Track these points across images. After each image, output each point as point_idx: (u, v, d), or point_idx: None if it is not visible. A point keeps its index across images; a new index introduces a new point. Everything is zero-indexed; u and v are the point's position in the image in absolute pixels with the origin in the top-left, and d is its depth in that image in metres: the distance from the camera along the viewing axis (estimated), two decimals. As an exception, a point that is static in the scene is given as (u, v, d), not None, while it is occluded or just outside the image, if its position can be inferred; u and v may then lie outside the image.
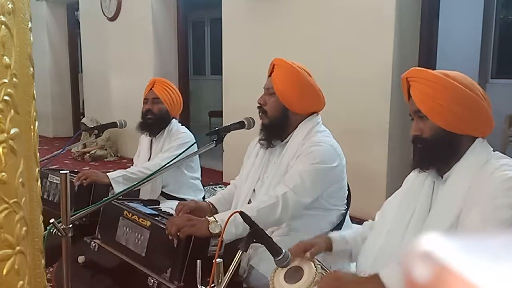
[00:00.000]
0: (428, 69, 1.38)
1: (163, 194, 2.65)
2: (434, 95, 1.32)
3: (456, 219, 1.29)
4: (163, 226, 1.67)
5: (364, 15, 3.89)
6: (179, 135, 2.66)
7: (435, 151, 1.35)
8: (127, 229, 1.81)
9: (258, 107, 1.97)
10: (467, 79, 1.35)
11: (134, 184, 1.77)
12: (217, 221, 1.63)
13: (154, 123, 2.69)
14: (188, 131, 2.74)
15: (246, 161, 2.12)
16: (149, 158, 2.74)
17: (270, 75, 1.96)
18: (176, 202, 2.58)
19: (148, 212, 1.87)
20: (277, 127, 1.94)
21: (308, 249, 1.47)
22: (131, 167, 2.75)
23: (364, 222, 1.68)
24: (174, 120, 2.75)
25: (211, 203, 2.06)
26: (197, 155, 2.72)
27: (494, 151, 1.38)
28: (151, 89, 2.71)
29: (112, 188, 2.44)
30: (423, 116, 1.35)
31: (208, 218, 1.68)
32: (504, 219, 1.21)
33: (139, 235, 1.74)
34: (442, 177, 1.38)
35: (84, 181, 2.36)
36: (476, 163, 1.32)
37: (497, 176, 1.26)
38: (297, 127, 1.93)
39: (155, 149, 2.73)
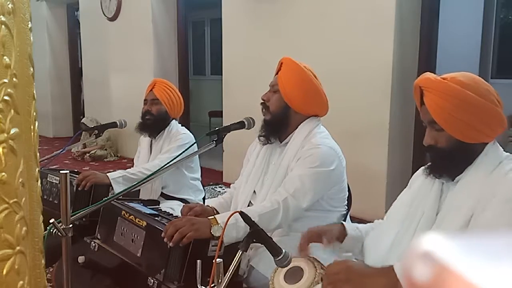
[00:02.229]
0: (442, 78, 1.33)
1: (163, 194, 2.65)
2: (451, 108, 1.29)
3: (466, 222, 1.28)
4: (158, 227, 1.66)
5: (364, 15, 3.89)
6: (179, 136, 2.66)
7: (450, 160, 1.35)
8: (124, 229, 1.81)
9: (262, 103, 1.98)
10: (482, 84, 1.32)
11: (134, 185, 1.77)
12: (218, 223, 1.63)
13: (153, 124, 2.69)
14: (188, 132, 2.74)
15: (246, 164, 2.12)
16: (149, 159, 2.74)
17: (277, 73, 1.96)
18: (176, 202, 2.59)
19: (148, 212, 1.87)
20: (277, 124, 1.94)
21: (322, 235, 1.47)
22: (131, 167, 2.75)
23: (375, 221, 1.67)
24: (174, 121, 2.74)
25: (214, 208, 2.06)
26: (197, 157, 2.73)
27: None
28: (151, 90, 2.71)
29: (112, 188, 2.44)
30: (439, 128, 1.34)
31: (209, 218, 1.67)
32: None
33: (135, 235, 1.74)
34: (453, 180, 1.38)
35: (84, 186, 2.35)
36: (489, 166, 1.32)
37: (510, 177, 1.26)
38: (297, 128, 1.94)
39: (155, 150, 2.73)
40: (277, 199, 1.77)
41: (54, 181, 2.41)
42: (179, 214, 1.96)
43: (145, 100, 2.73)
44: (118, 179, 2.46)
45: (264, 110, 1.97)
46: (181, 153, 1.95)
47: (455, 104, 1.29)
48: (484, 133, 1.32)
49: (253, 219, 1.42)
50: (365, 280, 1.29)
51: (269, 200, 1.80)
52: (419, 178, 1.49)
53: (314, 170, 1.81)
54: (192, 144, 2.42)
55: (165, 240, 1.57)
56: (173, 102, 2.70)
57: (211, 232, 1.60)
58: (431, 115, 1.34)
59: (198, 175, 2.79)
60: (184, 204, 2.44)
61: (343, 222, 1.60)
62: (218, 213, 2.03)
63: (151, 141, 2.78)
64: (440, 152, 1.37)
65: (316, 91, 1.92)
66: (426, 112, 1.36)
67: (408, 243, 1.38)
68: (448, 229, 1.31)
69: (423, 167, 1.47)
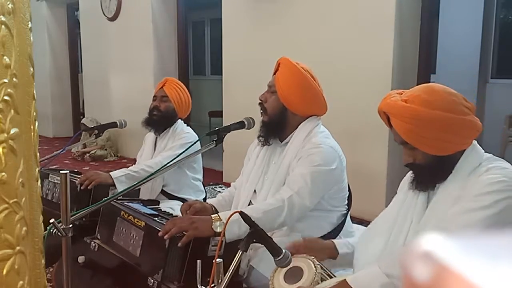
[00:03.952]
0: (404, 100, 1.32)
1: (164, 193, 2.65)
2: (418, 130, 1.29)
3: None
4: (157, 227, 1.67)
5: (364, 15, 3.89)
6: (183, 135, 2.68)
7: (432, 174, 1.36)
8: (123, 229, 1.81)
9: (259, 103, 1.97)
10: (446, 96, 1.30)
11: (134, 184, 1.77)
12: (221, 219, 1.63)
13: (159, 120, 2.71)
14: (193, 131, 2.75)
15: (246, 163, 2.12)
16: (153, 157, 2.75)
17: (274, 73, 1.96)
18: (176, 202, 2.59)
19: (148, 213, 1.87)
20: (275, 125, 1.94)
21: (312, 254, 1.48)
22: (133, 165, 2.75)
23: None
24: (179, 120, 2.77)
25: (212, 205, 2.06)
26: (200, 157, 2.75)
27: (492, 151, 1.38)
28: (161, 87, 2.74)
29: (114, 188, 2.45)
30: (412, 147, 1.35)
31: (212, 216, 1.68)
32: (478, 219, 1.21)
33: (134, 235, 1.75)
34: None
35: (87, 185, 2.35)
36: (467, 168, 1.32)
37: (484, 179, 1.26)
38: (297, 127, 1.93)
39: (159, 148, 2.74)
40: (282, 197, 1.77)
41: (56, 181, 2.41)
42: (179, 214, 1.96)
43: (154, 96, 2.76)
44: (121, 177, 2.47)
45: (261, 111, 1.97)
46: (183, 151, 1.96)
47: (422, 125, 1.28)
48: (458, 143, 1.32)
49: (257, 216, 1.42)
50: None
51: (274, 198, 1.81)
52: (407, 185, 1.48)
53: (316, 168, 1.81)
54: (195, 142, 2.41)
55: (160, 234, 1.58)
56: (181, 101, 2.72)
57: (212, 228, 1.60)
58: (402, 138, 1.34)
59: (200, 176, 2.80)
60: (184, 204, 2.44)
61: (334, 241, 1.61)
62: (217, 211, 2.03)
63: (156, 138, 2.79)
64: (420, 168, 1.37)
65: (314, 92, 1.91)
66: (396, 134, 1.36)
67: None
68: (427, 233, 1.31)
69: (410, 173, 1.46)
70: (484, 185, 1.24)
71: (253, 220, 1.38)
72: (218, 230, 1.59)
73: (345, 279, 1.32)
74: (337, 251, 1.58)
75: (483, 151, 1.37)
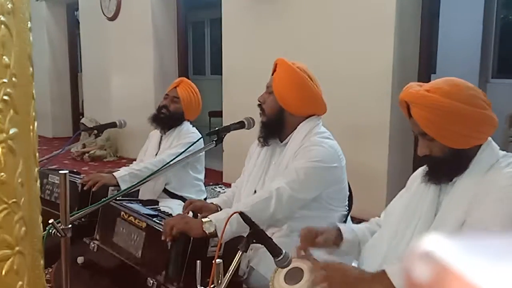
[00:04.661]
0: (426, 90, 1.32)
1: (165, 191, 2.66)
2: (439, 121, 1.30)
3: (462, 222, 1.29)
4: (158, 228, 1.67)
5: (364, 15, 3.89)
6: (188, 135, 2.70)
7: (447, 168, 1.36)
8: (124, 230, 1.81)
9: (258, 104, 1.98)
10: (467, 90, 1.32)
11: (135, 184, 1.77)
12: (211, 221, 1.63)
13: (166, 118, 2.73)
14: (198, 132, 2.76)
15: (247, 163, 2.13)
16: (157, 154, 2.76)
17: (272, 74, 1.96)
18: (177, 202, 2.60)
19: (147, 213, 1.87)
20: (273, 126, 1.95)
21: (318, 235, 1.49)
22: (137, 163, 2.76)
23: (371, 219, 1.67)
24: (186, 122, 2.77)
25: (217, 205, 2.06)
26: (203, 158, 2.78)
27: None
28: (175, 87, 2.74)
29: (117, 188, 2.45)
30: (430, 138, 1.35)
31: (203, 219, 1.67)
32: (509, 212, 1.22)
33: (135, 236, 1.74)
34: (450, 181, 1.38)
35: (91, 186, 2.35)
36: (484, 165, 1.33)
37: (506, 171, 1.28)
38: (296, 128, 1.93)
39: (164, 146, 2.75)
40: (270, 189, 1.78)
41: (56, 181, 2.41)
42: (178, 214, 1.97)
43: (166, 94, 2.77)
44: (124, 177, 2.48)
45: (260, 112, 1.98)
46: (184, 150, 1.96)
47: (442, 116, 1.29)
48: (476, 138, 1.33)
49: (245, 209, 1.42)
50: (360, 285, 1.30)
51: (263, 190, 1.82)
52: (417, 180, 1.49)
53: (311, 164, 1.82)
54: (198, 139, 2.41)
55: (163, 238, 1.59)
56: (191, 104, 2.73)
57: (203, 229, 1.60)
58: (420, 127, 1.34)
59: (202, 176, 2.81)
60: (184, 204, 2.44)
61: (339, 226, 1.60)
62: (221, 210, 2.03)
63: (161, 137, 2.80)
64: (436, 161, 1.37)
65: (310, 92, 1.91)
66: (415, 124, 1.36)
67: (405, 248, 1.38)
68: (444, 230, 1.31)
69: (421, 168, 1.46)
70: (510, 176, 1.26)
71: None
72: (211, 230, 1.60)
73: (383, 270, 1.30)
74: (342, 236, 1.55)
75: (498, 147, 1.38)
